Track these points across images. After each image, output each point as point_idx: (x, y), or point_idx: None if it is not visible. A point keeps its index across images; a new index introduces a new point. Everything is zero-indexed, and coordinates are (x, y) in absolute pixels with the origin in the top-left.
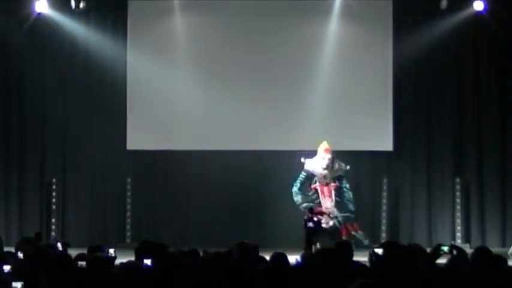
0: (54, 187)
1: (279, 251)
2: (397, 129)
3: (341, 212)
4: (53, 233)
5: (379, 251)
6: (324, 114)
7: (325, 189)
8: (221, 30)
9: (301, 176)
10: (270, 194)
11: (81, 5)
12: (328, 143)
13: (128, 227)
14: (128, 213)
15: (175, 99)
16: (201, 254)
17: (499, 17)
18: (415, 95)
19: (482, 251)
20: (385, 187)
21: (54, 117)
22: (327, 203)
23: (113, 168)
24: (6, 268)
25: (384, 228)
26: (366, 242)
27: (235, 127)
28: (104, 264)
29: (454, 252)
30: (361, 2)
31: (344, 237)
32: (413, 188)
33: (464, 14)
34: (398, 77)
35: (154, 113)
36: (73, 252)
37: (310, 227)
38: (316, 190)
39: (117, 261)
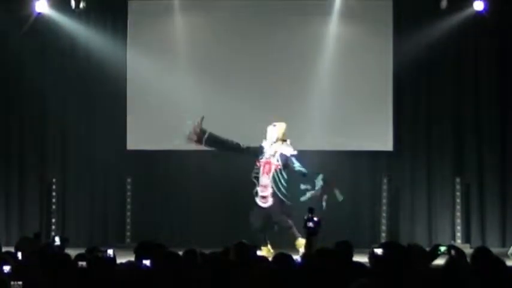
0: (54, 187)
1: (278, 251)
2: (397, 129)
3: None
4: (52, 233)
5: (379, 251)
6: (324, 114)
7: (266, 166)
8: (221, 30)
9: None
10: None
11: (81, 5)
12: (286, 128)
13: (128, 227)
14: (128, 213)
15: (176, 99)
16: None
17: (499, 17)
18: (415, 95)
19: (482, 251)
20: (385, 187)
21: (54, 117)
22: (264, 179)
23: (112, 168)
24: (6, 268)
25: (384, 228)
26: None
27: (235, 127)
28: (105, 264)
29: (452, 252)
30: (361, 2)
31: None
32: (413, 188)
33: (465, 14)
34: (398, 77)
35: (155, 113)
36: (73, 252)
37: (310, 227)
38: (259, 165)
39: (117, 262)
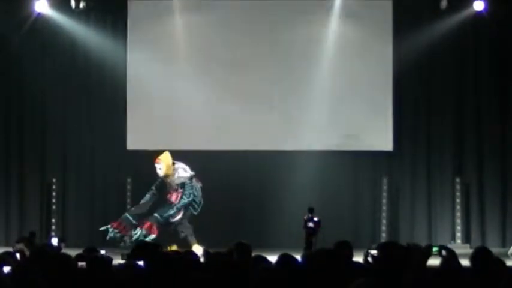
0: (54, 187)
1: (278, 251)
2: (397, 129)
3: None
4: (52, 233)
5: (374, 251)
6: (324, 114)
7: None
8: (221, 30)
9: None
10: (269, 194)
11: (81, 5)
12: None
13: None
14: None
15: (175, 99)
16: (201, 253)
17: (499, 17)
18: (415, 95)
19: (482, 251)
20: (385, 187)
21: (54, 117)
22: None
23: (112, 168)
24: (6, 269)
25: (383, 228)
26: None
27: (234, 127)
28: (103, 264)
29: (444, 253)
30: (362, 2)
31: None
32: (413, 188)
33: (464, 14)
34: (398, 76)
35: (154, 113)
36: (73, 252)
37: (310, 227)
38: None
39: (115, 262)
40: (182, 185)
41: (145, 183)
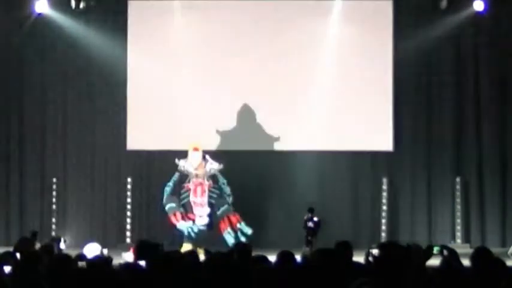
0: (54, 187)
1: (278, 251)
2: (397, 129)
3: (220, 207)
4: (53, 233)
5: (376, 251)
6: (324, 114)
7: (199, 188)
8: (221, 30)
9: (174, 176)
10: (269, 194)
11: (82, 5)
12: (199, 143)
13: (128, 226)
14: (128, 213)
15: (176, 99)
16: (202, 253)
17: (499, 17)
18: (415, 95)
19: (482, 251)
20: (385, 187)
21: (54, 117)
22: (198, 202)
23: (113, 168)
24: (7, 269)
25: (384, 228)
26: (249, 231)
27: (234, 127)
28: (104, 264)
29: (445, 252)
30: (361, 2)
31: (227, 230)
32: (413, 188)
33: (464, 14)
34: (398, 76)
35: (155, 113)
36: (73, 252)
37: (310, 227)
38: (188, 189)
39: (116, 261)
40: (214, 176)
41: (146, 183)
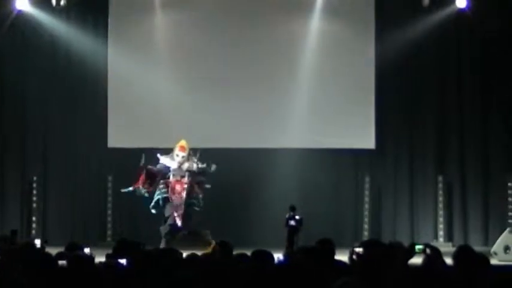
0: (34, 185)
1: (259, 248)
2: (380, 127)
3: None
4: (33, 231)
5: (360, 249)
6: (306, 112)
7: (177, 185)
8: (202, 27)
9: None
10: (250, 192)
11: (62, 2)
12: (187, 142)
13: (109, 225)
14: (109, 212)
15: (157, 96)
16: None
17: (482, 14)
18: (397, 93)
19: (464, 250)
20: (367, 185)
21: (34, 115)
22: (176, 199)
23: (94, 166)
24: None
25: (366, 226)
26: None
27: (216, 125)
28: (84, 263)
29: (428, 251)
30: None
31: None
32: (396, 186)
33: (447, 11)
34: (380, 74)
35: (136, 111)
36: (53, 251)
37: (292, 225)
38: (167, 185)
39: (97, 260)
40: (203, 170)
41: (127, 180)
